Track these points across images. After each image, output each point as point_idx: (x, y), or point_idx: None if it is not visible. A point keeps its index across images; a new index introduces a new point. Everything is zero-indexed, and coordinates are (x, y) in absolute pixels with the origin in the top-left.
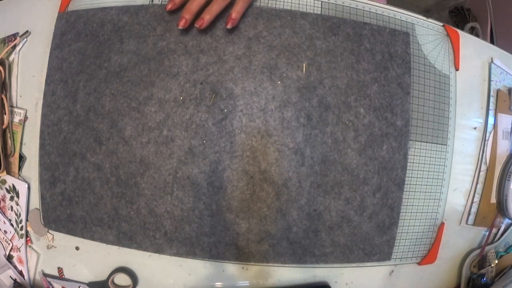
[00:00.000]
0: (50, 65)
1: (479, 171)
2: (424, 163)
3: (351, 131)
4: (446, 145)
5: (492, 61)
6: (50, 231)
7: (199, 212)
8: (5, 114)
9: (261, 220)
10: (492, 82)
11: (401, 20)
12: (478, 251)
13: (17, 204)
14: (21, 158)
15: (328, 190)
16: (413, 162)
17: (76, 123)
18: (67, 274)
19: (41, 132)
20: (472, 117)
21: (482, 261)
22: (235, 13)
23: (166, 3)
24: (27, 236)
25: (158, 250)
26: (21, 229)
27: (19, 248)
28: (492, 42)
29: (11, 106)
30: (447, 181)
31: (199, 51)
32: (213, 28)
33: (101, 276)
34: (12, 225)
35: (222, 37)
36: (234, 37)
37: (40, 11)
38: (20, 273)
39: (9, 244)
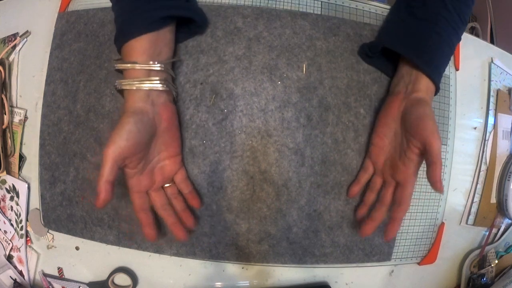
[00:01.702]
0: (50, 65)
1: (479, 171)
2: (424, 163)
3: (351, 132)
4: (446, 145)
5: (492, 61)
6: (50, 231)
7: (199, 212)
8: (5, 114)
9: (261, 220)
10: (492, 82)
11: None
12: (478, 251)
13: (17, 204)
14: (21, 158)
15: (328, 190)
16: None
17: (76, 123)
18: (67, 274)
19: (41, 132)
20: (472, 117)
21: (482, 261)
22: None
23: None
24: (27, 236)
25: (158, 250)
26: (21, 229)
27: (19, 248)
28: (492, 42)
29: (11, 106)
30: (447, 181)
31: (199, 51)
32: (213, 28)
33: (101, 276)
34: (12, 225)
35: (222, 38)
36: (234, 37)
37: (40, 11)
38: (20, 273)
39: (9, 244)
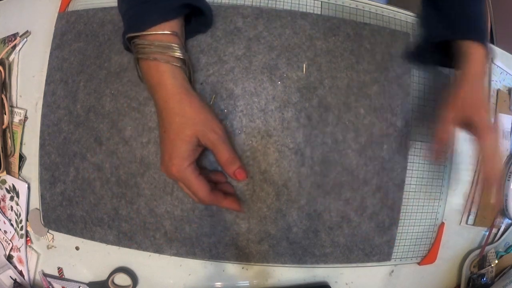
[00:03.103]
0: (50, 65)
1: (479, 171)
2: (424, 163)
3: (351, 132)
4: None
5: (492, 61)
6: (50, 231)
7: (199, 212)
8: (5, 114)
9: (261, 220)
10: (492, 82)
11: (401, 20)
12: (478, 251)
13: (17, 204)
14: (21, 158)
15: (328, 191)
16: (413, 162)
17: (76, 123)
18: (67, 274)
19: (41, 132)
20: None
21: (482, 261)
22: None
23: None
24: (27, 236)
25: (158, 250)
26: (21, 229)
27: (19, 248)
28: (492, 42)
29: (11, 106)
30: (447, 181)
31: (199, 51)
32: (213, 28)
33: (101, 276)
34: (12, 225)
35: (222, 38)
36: (234, 37)
37: (40, 11)
38: (20, 273)
39: (9, 244)
